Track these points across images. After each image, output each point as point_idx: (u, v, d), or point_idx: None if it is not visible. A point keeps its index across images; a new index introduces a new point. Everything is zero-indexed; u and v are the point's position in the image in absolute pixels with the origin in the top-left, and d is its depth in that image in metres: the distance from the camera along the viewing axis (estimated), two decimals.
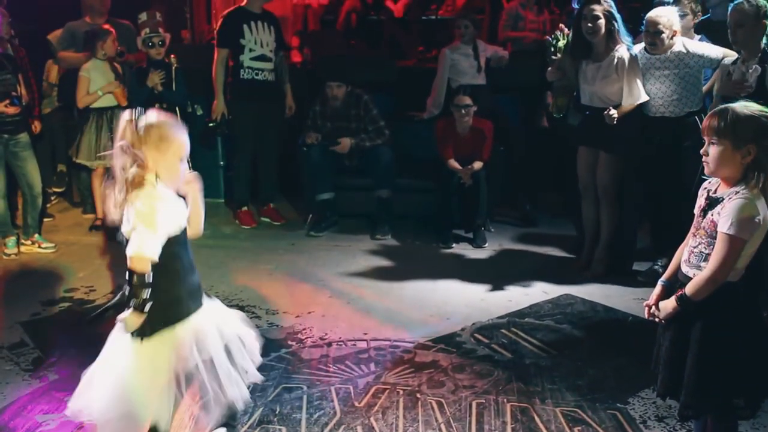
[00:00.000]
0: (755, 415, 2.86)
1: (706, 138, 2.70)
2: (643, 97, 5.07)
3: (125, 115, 2.73)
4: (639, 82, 5.06)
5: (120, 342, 2.80)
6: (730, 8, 4.61)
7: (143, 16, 6.29)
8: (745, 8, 4.51)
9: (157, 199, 2.68)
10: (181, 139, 2.77)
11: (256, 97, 6.48)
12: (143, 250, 2.63)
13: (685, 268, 2.80)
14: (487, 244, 6.14)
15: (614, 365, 4.10)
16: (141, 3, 7.08)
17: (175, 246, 2.76)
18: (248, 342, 2.96)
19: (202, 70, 6.60)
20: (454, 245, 6.16)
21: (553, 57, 5.51)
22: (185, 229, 2.83)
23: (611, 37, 5.09)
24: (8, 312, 4.81)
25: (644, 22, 5.06)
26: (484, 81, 6.66)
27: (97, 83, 6.21)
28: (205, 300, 2.93)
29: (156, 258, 2.67)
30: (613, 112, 4.97)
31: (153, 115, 2.75)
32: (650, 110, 5.14)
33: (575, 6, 5.19)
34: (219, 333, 2.86)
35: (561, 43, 5.47)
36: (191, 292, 2.85)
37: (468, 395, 3.76)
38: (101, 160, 6.19)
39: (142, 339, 2.76)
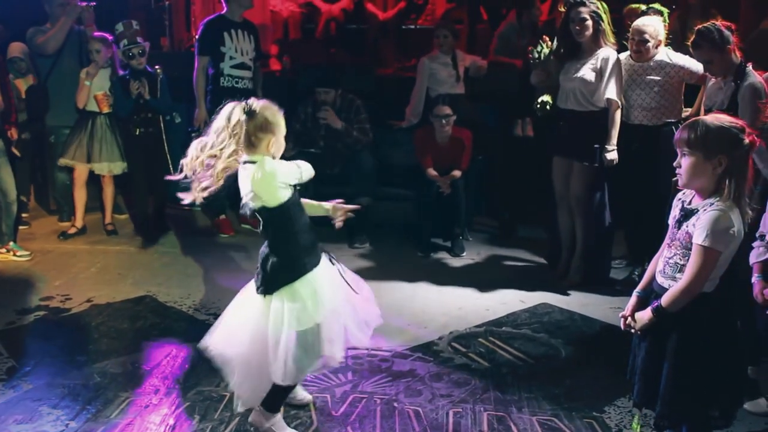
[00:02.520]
0: (730, 424, 2.88)
1: (678, 150, 2.73)
2: (613, 96, 5.05)
3: (238, 109, 3.07)
4: (617, 82, 5.06)
5: (248, 296, 3.26)
6: (692, 46, 4.60)
7: (119, 27, 6.24)
8: (706, 47, 4.51)
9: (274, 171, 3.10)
10: (282, 118, 3.16)
11: None
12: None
13: (660, 279, 2.82)
14: (465, 253, 6.16)
15: (591, 374, 4.13)
16: (120, 10, 7.04)
17: (290, 207, 3.15)
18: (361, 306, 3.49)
19: (181, 77, 6.58)
20: (432, 254, 6.18)
21: (537, 60, 5.50)
22: (298, 191, 3.15)
23: (597, 38, 5.12)
24: None
25: (630, 30, 5.11)
26: (462, 90, 6.68)
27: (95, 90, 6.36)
28: (323, 258, 3.32)
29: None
30: (613, 158, 5.07)
31: (260, 104, 3.10)
32: (629, 118, 5.19)
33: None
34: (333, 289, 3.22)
35: (546, 50, 5.47)
36: (308, 249, 3.22)
37: (445, 404, 3.76)
38: (80, 161, 6.33)
39: (264, 295, 3.18)
